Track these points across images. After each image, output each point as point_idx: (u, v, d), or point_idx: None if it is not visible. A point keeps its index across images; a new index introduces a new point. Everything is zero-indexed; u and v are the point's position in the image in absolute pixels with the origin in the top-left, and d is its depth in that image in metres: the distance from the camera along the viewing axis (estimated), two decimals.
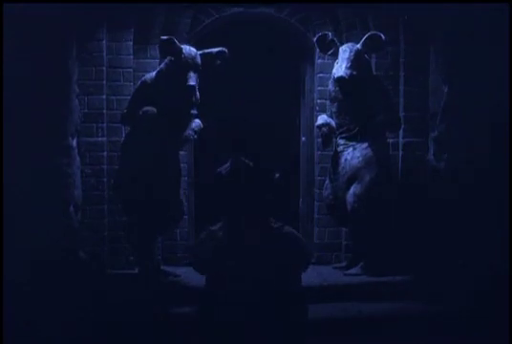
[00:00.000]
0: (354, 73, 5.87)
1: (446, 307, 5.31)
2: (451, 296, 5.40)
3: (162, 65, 5.81)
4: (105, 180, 6.25)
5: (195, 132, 5.87)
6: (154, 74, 5.82)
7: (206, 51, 5.80)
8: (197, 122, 5.89)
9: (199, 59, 5.70)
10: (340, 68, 5.91)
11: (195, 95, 5.75)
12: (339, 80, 5.93)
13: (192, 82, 5.62)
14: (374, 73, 6.25)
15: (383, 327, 5.10)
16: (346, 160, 6.09)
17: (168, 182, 5.79)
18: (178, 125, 5.76)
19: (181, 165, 6.24)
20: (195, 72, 5.65)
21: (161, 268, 6.07)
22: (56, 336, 4.76)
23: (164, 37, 5.69)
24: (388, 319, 5.23)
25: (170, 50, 5.65)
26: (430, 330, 5.00)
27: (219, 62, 5.83)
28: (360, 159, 6.01)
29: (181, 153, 6.24)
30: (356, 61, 5.89)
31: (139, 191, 5.66)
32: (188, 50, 5.70)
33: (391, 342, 4.95)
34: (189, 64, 5.65)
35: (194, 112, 5.91)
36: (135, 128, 5.80)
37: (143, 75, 5.94)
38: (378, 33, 5.90)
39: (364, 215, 5.93)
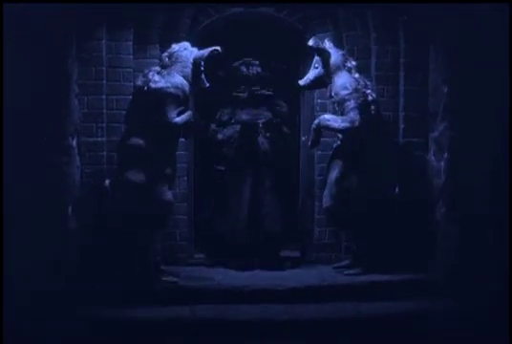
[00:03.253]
0: (311, 78, 6.10)
1: (446, 307, 5.31)
2: (451, 296, 5.40)
3: (186, 69, 5.78)
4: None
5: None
6: (182, 78, 5.76)
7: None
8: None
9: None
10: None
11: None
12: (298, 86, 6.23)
13: (208, 84, 5.92)
14: (374, 73, 6.27)
15: (383, 327, 5.09)
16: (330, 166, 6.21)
17: (163, 182, 5.77)
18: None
19: (182, 165, 6.25)
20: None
21: (161, 267, 6.07)
22: (55, 337, 4.76)
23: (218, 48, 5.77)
24: (387, 319, 5.23)
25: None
26: (430, 330, 4.99)
27: None
28: (329, 159, 6.10)
29: (182, 153, 6.24)
30: (318, 66, 6.05)
31: (135, 191, 5.66)
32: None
33: (390, 342, 4.94)
34: (203, 66, 5.83)
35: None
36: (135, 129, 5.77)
37: (147, 75, 5.87)
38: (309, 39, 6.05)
39: (333, 215, 6.12)
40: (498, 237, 5.33)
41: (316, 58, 6.09)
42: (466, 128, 5.63)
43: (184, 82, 5.77)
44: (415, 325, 5.07)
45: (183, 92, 5.75)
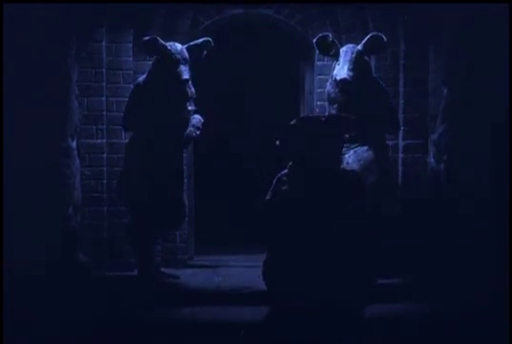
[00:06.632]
0: (356, 74, 5.81)
1: (446, 309, 5.30)
2: (451, 298, 5.40)
3: (151, 66, 5.80)
4: (105, 181, 6.26)
5: (197, 128, 5.85)
6: (145, 76, 5.79)
7: (192, 43, 5.79)
8: (197, 118, 5.89)
9: (186, 53, 5.69)
10: (342, 70, 5.85)
11: (190, 88, 5.75)
12: (342, 82, 5.82)
13: (185, 76, 5.61)
14: (374, 74, 6.26)
15: (383, 328, 5.08)
16: (347, 163, 6.10)
17: (171, 183, 5.78)
18: (177, 124, 5.75)
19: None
20: (185, 65, 5.65)
21: (161, 269, 6.07)
22: (55, 337, 4.74)
23: (147, 38, 5.66)
24: (388, 321, 5.21)
25: (155, 49, 5.63)
26: (430, 331, 4.98)
27: (205, 53, 5.83)
28: (361, 162, 6.00)
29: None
30: (357, 63, 5.84)
31: (142, 193, 5.65)
32: (174, 46, 5.68)
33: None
34: (178, 59, 5.63)
35: (192, 108, 5.90)
36: (136, 132, 5.78)
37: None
38: (380, 34, 5.88)
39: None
40: (498, 238, 5.33)
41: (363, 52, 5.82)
42: (466, 130, 5.63)
43: (142, 79, 5.75)
44: (416, 327, 5.05)
45: (139, 90, 5.73)
